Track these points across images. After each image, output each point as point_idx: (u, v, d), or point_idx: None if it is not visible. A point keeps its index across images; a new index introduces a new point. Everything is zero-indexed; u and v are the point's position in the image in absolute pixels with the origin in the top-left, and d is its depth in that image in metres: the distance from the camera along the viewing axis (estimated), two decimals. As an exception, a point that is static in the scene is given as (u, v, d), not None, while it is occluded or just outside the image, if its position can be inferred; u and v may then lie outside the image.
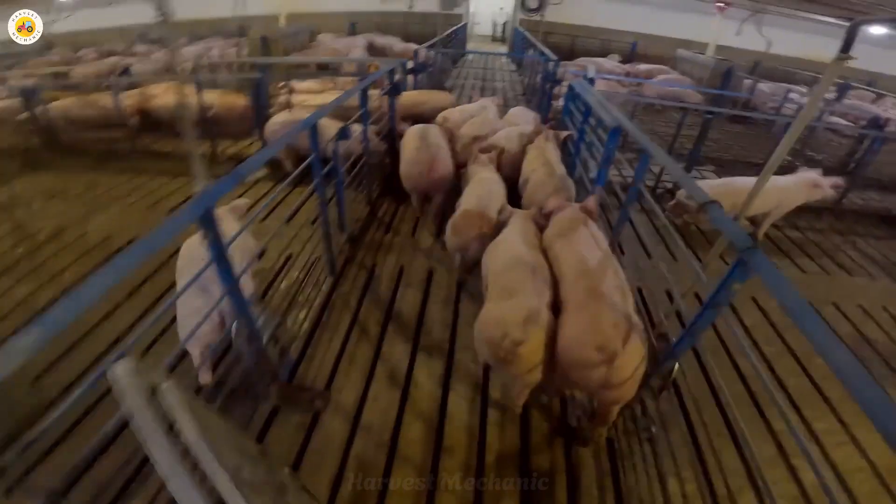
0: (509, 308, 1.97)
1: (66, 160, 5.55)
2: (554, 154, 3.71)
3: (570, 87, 4.17)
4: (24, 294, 3.28)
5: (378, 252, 3.75)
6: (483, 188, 3.22)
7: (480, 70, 12.41)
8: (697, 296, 3.28)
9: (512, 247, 2.38)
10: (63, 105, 5.60)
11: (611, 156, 2.83)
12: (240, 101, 5.38)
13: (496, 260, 2.36)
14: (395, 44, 13.45)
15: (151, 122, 5.77)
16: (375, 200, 4.42)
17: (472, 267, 3.04)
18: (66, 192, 4.79)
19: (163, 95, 5.72)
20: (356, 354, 2.75)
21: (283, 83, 5.54)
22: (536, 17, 14.47)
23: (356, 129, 3.47)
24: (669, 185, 4.94)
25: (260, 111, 4.70)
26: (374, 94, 4.48)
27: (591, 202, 2.60)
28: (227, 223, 2.57)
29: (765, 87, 9.07)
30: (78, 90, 5.96)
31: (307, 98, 5.56)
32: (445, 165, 3.64)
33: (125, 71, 6.43)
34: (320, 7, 15.37)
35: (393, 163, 4.48)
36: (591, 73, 4.51)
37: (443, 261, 3.63)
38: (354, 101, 3.58)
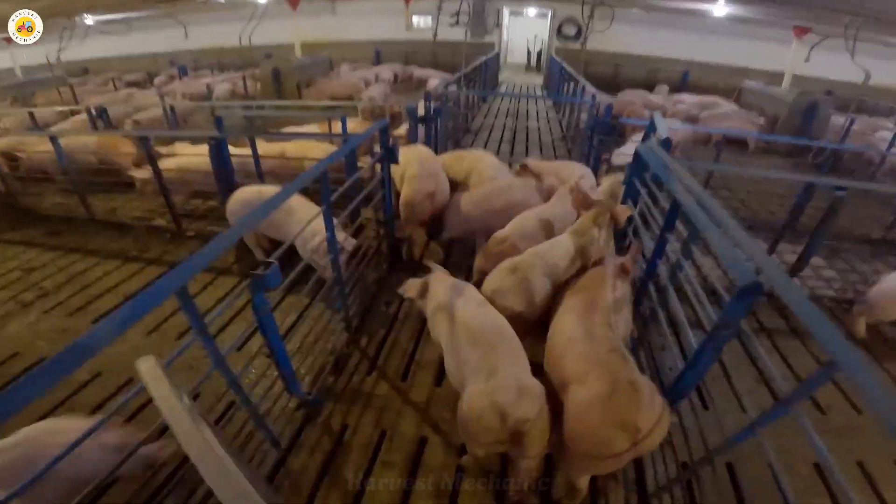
0: (496, 387, 1.78)
1: (18, 229, 4.68)
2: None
3: (637, 156, 2.89)
4: None
5: (353, 406, 2.60)
6: (523, 221, 3.00)
7: (512, 107, 11.23)
8: None
9: (465, 317, 2.09)
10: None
11: (736, 331, 1.54)
12: (122, 145, 4.54)
13: (453, 337, 2.08)
14: (433, 75, 12.47)
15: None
16: (360, 321, 3.22)
17: None
18: (-4, 280, 3.91)
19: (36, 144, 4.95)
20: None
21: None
22: (575, 46, 13.29)
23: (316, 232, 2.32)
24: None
25: (223, 176, 3.62)
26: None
27: (629, 260, 2.29)
28: None
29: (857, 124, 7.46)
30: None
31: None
32: (446, 190, 3.48)
33: (101, 113, 5.58)
34: (343, 36, 14.76)
35: (392, 259, 3.37)
36: (660, 127, 3.19)
37: (440, 427, 2.47)
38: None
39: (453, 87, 6.67)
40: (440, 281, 2.39)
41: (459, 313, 2.11)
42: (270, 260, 1.71)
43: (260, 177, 3.71)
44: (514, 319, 2.29)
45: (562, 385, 1.86)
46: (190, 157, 4.34)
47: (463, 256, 4.02)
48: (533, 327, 2.47)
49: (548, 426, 1.77)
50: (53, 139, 4.05)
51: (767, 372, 2.85)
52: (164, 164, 4.22)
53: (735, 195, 5.73)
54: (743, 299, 1.44)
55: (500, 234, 2.87)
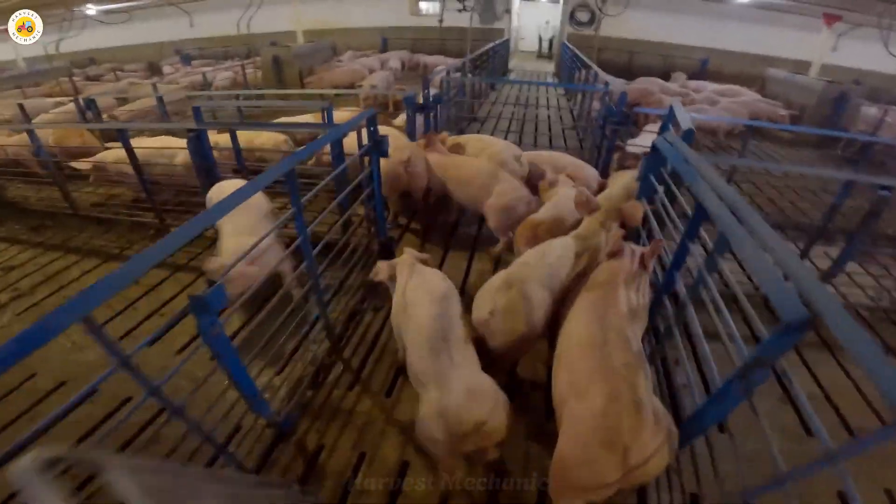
0: (444, 395, 1.74)
1: (3, 224, 4.49)
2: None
3: (654, 149, 2.56)
4: None
5: (331, 423, 2.36)
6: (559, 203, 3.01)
7: (522, 94, 10.82)
8: None
9: (420, 312, 2.03)
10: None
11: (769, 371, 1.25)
12: (72, 137, 4.42)
13: (410, 334, 2.03)
14: (442, 63, 12.04)
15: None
16: (345, 328, 2.95)
17: None
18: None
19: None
20: None
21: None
22: (588, 32, 12.76)
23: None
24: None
25: (205, 171, 3.37)
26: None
27: (649, 253, 2.06)
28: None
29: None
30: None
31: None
32: (422, 163, 3.59)
33: (89, 104, 5.36)
34: (348, 22, 14.38)
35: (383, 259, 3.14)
36: (681, 117, 2.84)
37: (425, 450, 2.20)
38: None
39: (455, 74, 6.34)
40: (405, 266, 2.30)
41: (415, 310, 2.04)
42: (213, 280, 1.46)
43: (242, 170, 3.45)
44: (517, 340, 2.05)
45: (564, 399, 1.68)
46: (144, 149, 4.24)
47: (461, 259, 3.76)
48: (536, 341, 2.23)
49: (505, 421, 1.75)
50: (31, 132, 3.85)
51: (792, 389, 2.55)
52: (103, 156, 4.07)
53: (761, 191, 5.34)
54: (788, 336, 1.15)
55: (535, 217, 2.88)
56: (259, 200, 2.96)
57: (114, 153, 4.10)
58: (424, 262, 2.38)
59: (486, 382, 1.81)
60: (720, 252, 1.69)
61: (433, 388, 1.80)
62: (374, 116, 2.73)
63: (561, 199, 3.11)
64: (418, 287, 2.16)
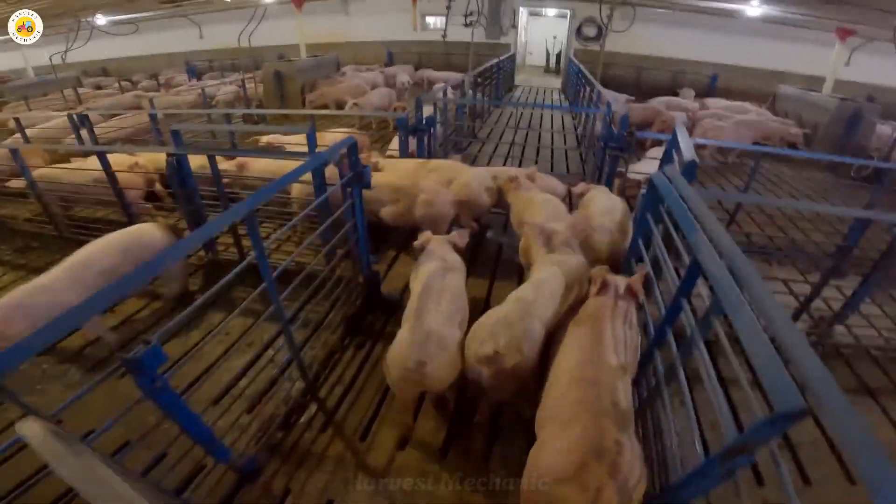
0: (409, 332, 2.04)
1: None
2: None
3: (651, 184, 2.39)
4: None
5: (300, 467, 2.22)
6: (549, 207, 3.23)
7: (526, 112, 10.62)
8: None
9: (422, 276, 2.37)
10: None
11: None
12: (34, 156, 4.53)
13: (413, 290, 2.39)
14: (448, 78, 11.90)
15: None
16: (323, 366, 2.79)
17: None
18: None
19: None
20: None
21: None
22: (595, 47, 12.63)
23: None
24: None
25: (185, 198, 3.25)
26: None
27: (636, 282, 2.07)
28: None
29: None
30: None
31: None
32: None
33: (83, 120, 5.30)
34: (354, 36, 14.42)
35: (369, 293, 3.02)
36: (684, 146, 2.65)
37: (396, 500, 2.07)
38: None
39: (452, 93, 6.19)
40: (432, 246, 2.62)
41: (423, 269, 2.43)
42: (149, 339, 1.31)
43: (221, 198, 3.33)
44: (516, 377, 2.01)
45: (545, 424, 1.70)
46: (55, 168, 4.40)
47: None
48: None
49: (448, 373, 1.99)
50: (14, 151, 3.77)
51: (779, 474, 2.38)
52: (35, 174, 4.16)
53: (772, 219, 5.11)
54: (777, 425, 1.00)
55: (551, 227, 2.87)
56: (89, 253, 2.89)
57: (40, 171, 4.23)
58: (457, 249, 2.68)
59: (452, 335, 2.06)
60: (715, 314, 1.52)
61: (407, 324, 2.09)
62: (354, 145, 2.59)
63: (547, 204, 3.23)
64: (436, 253, 2.55)
